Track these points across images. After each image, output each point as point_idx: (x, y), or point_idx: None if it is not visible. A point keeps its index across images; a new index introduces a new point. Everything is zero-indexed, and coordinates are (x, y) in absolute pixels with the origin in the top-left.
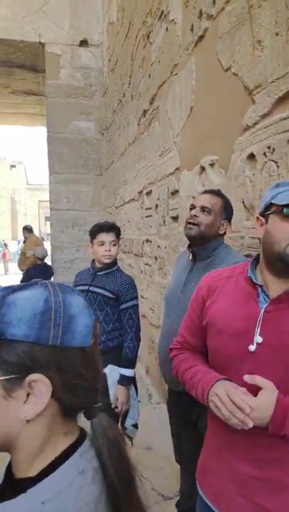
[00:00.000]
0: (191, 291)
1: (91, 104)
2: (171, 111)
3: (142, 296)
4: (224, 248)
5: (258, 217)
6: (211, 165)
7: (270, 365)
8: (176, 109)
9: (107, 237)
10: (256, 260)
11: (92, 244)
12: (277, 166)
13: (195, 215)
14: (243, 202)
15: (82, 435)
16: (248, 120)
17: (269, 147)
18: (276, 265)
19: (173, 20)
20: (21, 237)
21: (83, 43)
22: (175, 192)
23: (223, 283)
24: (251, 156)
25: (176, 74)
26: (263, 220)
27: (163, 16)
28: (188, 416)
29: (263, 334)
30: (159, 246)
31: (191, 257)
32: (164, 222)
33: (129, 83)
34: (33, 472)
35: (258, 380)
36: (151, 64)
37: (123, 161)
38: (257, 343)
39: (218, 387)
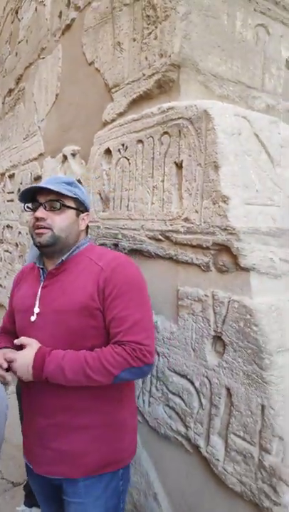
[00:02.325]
0: None
1: None
2: (37, 95)
3: (0, 285)
4: None
5: None
6: (73, 155)
7: (47, 329)
8: (42, 93)
9: None
10: None
11: None
12: (129, 163)
13: None
14: (100, 194)
15: None
16: (107, 116)
17: (123, 144)
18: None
19: (42, 1)
20: None
21: None
22: (38, 178)
23: (27, 273)
24: (108, 151)
25: (44, 58)
26: None
27: None
28: None
29: (40, 306)
30: (20, 232)
31: None
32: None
33: None
34: None
35: (22, 340)
36: (19, 42)
37: None
38: (36, 313)
39: None
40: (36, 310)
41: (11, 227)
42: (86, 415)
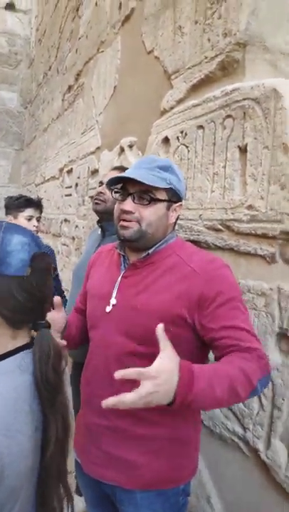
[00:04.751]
0: None
1: (15, 74)
2: (96, 89)
3: None
4: None
5: None
6: (130, 146)
7: (122, 325)
8: (100, 87)
9: (35, 213)
10: None
11: (15, 218)
12: (188, 151)
13: (101, 192)
14: None
15: (31, 344)
16: (166, 104)
17: (182, 132)
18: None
19: None
20: None
21: (10, 6)
22: (95, 171)
23: (104, 255)
24: (166, 140)
25: (103, 51)
26: None
27: None
28: None
29: (117, 297)
30: (77, 226)
31: (100, 232)
32: (83, 201)
33: (56, 56)
34: None
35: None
36: (79, 38)
37: (46, 136)
38: (113, 305)
39: None
40: (113, 301)
41: (68, 221)
42: (146, 426)
